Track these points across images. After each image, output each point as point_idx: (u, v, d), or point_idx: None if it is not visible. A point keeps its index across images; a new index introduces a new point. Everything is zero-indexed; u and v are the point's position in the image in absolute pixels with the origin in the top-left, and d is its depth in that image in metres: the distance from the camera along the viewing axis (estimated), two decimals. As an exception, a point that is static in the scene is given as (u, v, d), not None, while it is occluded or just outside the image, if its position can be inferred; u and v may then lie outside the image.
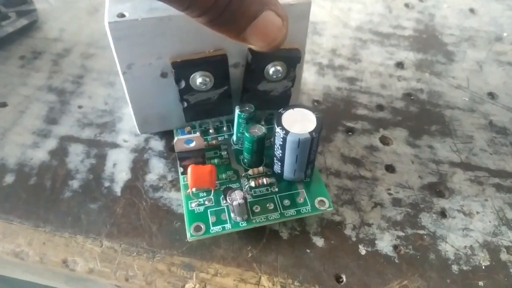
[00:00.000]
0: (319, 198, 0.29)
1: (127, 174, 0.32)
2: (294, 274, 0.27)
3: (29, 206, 0.30)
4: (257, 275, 0.27)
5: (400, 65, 0.42)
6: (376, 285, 0.27)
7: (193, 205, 0.28)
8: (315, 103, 0.38)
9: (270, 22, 0.22)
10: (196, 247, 0.28)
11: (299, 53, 0.30)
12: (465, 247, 0.29)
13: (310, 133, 0.27)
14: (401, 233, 0.29)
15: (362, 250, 0.29)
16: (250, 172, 0.30)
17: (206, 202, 0.29)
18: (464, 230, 0.30)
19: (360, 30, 0.46)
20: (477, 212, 0.31)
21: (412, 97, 0.39)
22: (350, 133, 0.35)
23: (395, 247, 0.29)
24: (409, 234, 0.29)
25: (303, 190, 0.30)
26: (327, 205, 0.29)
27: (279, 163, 0.29)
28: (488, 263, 0.28)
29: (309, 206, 0.29)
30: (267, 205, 0.29)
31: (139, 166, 0.33)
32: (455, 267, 0.28)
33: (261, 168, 0.30)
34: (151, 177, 0.32)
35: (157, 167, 0.33)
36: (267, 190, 0.30)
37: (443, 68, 0.42)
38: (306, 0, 0.28)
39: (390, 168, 0.33)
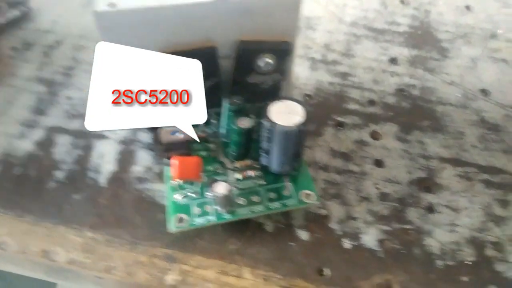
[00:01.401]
0: (305, 191, 0.29)
1: (113, 165, 0.32)
2: (277, 267, 0.27)
3: (13, 196, 0.30)
4: (239, 268, 0.27)
5: (393, 61, 0.41)
6: (359, 279, 0.27)
7: (177, 196, 0.28)
8: (307, 98, 0.37)
9: None
10: (179, 238, 0.28)
11: (289, 46, 0.29)
12: (451, 242, 0.29)
13: (297, 125, 0.27)
14: (387, 228, 0.29)
15: (347, 244, 0.28)
16: (237, 164, 0.30)
17: (191, 194, 0.28)
18: (451, 225, 0.29)
19: (354, 25, 0.45)
20: (465, 208, 0.30)
21: (404, 93, 0.38)
22: (340, 128, 0.35)
23: (380, 241, 0.28)
24: (395, 229, 0.29)
25: (290, 183, 0.29)
26: (313, 198, 0.28)
27: (266, 156, 0.29)
28: (474, 258, 0.28)
29: (295, 199, 0.28)
30: (253, 197, 0.28)
31: (125, 158, 0.32)
32: (440, 262, 0.28)
33: (248, 161, 0.30)
34: (137, 169, 0.32)
35: (144, 159, 0.32)
36: (253, 182, 0.29)
37: (436, 64, 0.41)
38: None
39: (379, 163, 0.33)
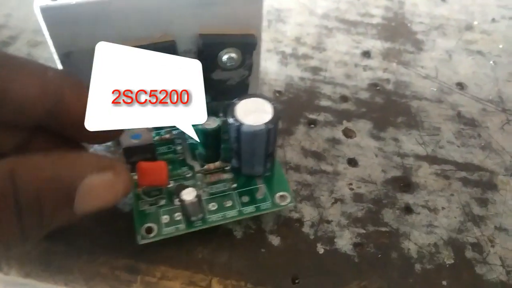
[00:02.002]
0: (280, 193, 0.27)
1: (72, 170, 0.30)
2: (248, 275, 0.26)
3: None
4: (207, 278, 0.25)
5: (366, 54, 0.40)
6: (334, 286, 0.25)
7: (143, 205, 0.26)
8: (277, 94, 0.36)
9: (94, 190, 0.21)
10: (142, 248, 0.26)
11: (254, 39, 0.28)
12: (429, 244, 0.27)
13: (266, 124, 0.25)
14: (362, 231, 0.28)
15: (320, 249, 0.27)
16: (206, 167, 0.28)
17: (158, 201, 0.27)
18: (429, 226, 0.28)
19: (326, 17, 0.44)
20: (443, 208, 0.29)
21: (378, 88, 0.37)
22: (312, 126, 0.34)
23: (355, 245, 0.27)
24: (370, 232, 0.28)
25: (263, 185, 0.28)
26: (288, 200, 0.27)
27: (236, 157, 0.27)
28: (452, 261, 0.27)
29: (269, 202, 0.27)
30: (225, 202, 0.27)
31: (85, 161, 0.30)
32: (418, 266, 0.26)
33: (218, 163, 0.29)
34: (98, 173, 0.30)
35: (105, 162, 0.30)
36: (224, 186, 0.28)
37: (411, 57, 0.40)
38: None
39: (352, 162, 0.31)
